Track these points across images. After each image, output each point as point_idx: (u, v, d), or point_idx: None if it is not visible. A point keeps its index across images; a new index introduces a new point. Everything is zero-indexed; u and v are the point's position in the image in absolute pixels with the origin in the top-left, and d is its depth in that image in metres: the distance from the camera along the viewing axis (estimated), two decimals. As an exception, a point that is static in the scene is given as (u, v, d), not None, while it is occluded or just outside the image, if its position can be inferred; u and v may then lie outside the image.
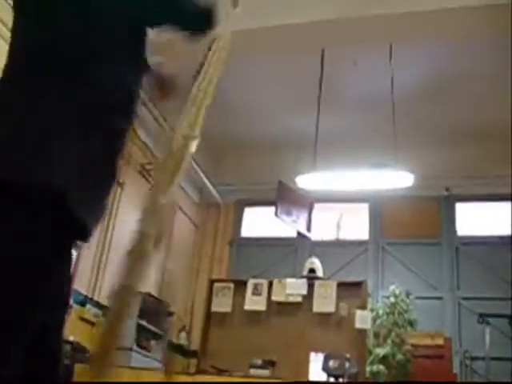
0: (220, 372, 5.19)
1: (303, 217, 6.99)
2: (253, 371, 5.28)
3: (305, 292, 5.74)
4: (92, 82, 1.36)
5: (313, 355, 5.44)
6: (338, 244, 8.62)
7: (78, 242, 1.43)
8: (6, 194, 1.20)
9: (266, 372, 5.31)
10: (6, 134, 1.24)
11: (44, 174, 1.22)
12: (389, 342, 6.63)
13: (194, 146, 1.79)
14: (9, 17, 5.12)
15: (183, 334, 8.01)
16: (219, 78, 1.93)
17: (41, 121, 1.25)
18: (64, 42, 1.35)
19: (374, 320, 6.66)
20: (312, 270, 6.08)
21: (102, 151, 1.37)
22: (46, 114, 1.26)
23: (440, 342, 7.12)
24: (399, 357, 6.51)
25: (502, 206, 8.08)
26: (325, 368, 5.05)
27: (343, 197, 8.20)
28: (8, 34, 5.04)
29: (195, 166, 8.22)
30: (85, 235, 1.39)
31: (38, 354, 1.34)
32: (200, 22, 1.70)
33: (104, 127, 1.38)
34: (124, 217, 6.03)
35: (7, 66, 1.35)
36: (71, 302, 3.96)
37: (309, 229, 7.04)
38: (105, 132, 1.38)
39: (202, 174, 8.49)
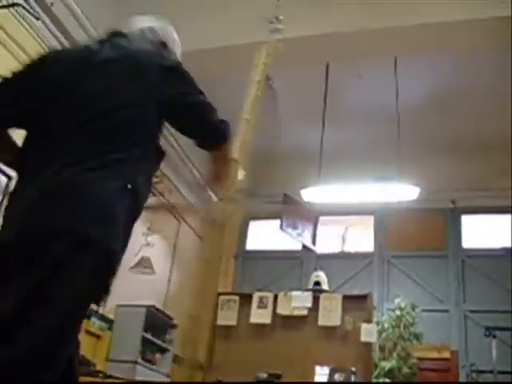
0: (225, 385, 5.18)
1: (308, 230, 6.98)
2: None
3: (310, 305, 5.72)
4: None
5: (318, 369, 5.40)
6: (343, 257, 8.61)
7: None
8: (91, 246, 1.60)
9: (271, 385, 5.29)
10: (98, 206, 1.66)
11: (113, 237, 1.66)
12: (394, 355, 6.60)
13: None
14: (10, 25, 5.09)
15: (188, 348, 7.99)
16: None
17: (116, 205, 1.69)
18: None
19: (380, 333, 6.64)
20: (317, 283, 6.06)
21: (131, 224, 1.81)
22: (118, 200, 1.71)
23: (446, 355, 7.09)
24: (405, 370, 6.47)
25: (509, 219, 8.06)
26: (330, 382, 5.03)
27: (348, 210, 8.20)
28: (12, 45, 4.99)
29: (200, 178, 8.24)
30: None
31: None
32: (215, 141, 2.04)
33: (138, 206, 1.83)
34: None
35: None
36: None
37: (314, 242, 7.03)
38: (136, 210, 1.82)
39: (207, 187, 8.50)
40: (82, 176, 1.65)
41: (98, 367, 5.44)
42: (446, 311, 7.87)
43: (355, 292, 6.49)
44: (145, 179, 1.84)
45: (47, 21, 5.21)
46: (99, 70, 1.85)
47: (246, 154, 2.43)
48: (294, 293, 5.87)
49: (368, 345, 5.51)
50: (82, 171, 1.65)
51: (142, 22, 2.19)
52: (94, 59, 1.87)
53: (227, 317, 5.93)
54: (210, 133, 2.01)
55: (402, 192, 6.75)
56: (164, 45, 2.15)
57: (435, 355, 7.01)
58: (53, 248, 1.55)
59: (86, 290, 1.61)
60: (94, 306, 5.84)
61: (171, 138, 6.95)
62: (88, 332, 5.82)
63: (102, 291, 1.74)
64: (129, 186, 1.72)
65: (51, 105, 1.78)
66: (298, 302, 5.75)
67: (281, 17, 2.59)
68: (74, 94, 1.79)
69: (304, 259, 8.49)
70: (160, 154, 1.99)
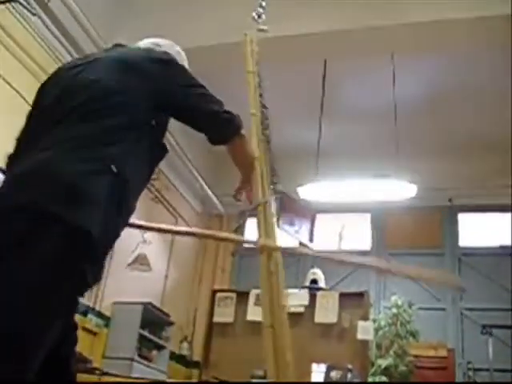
0: (222, 382, 5.18)
1: (305, 227, 6.99)
2: (254, 382, 5.26)
3: (307, 303, 5.73)
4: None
5: (315, 366, 5.41)
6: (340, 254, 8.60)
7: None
8: (56, 223, 1.54)
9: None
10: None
11: (82, 215, 1.59)
12: (391, 353, 6.60)
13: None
14: (7, 21, 5.09)
15: (185, 345, 8.00)
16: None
17: (89, 184, 1.64)
18: None
19: (377, 331, 6.64)
20: (314, 281, 6.07)
21: (120, 217, 1.77)
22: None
23: (443, 353, 7.09)
24: (402, 368, 6.47)
25: (505, 217, 8.07)
26: (327, 379, 5.03)
27: (345, 207, 8.20)
28: (9, 41, 4.99)
29: (197, 176, 8.24)
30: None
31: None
32: (223, 132, 2.00)
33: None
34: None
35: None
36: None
37: (311, 239, 7.04)
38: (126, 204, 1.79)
39: (204, 184, 8.51)
40: (56, 157, 1.64)
41: (95, 364, 5.44)
42: (443, 309, 7.87)
43: (352, 290, 6.50)
44: (137, 168, 1.81)
45: (44, 17, 5.19)
46: (89, 66, 1.91)
47: (264, 151, 2.39)
48: (291, 290, 5.87)
49: (365, 342, 5.52)
50: (57, 153, 1.64)
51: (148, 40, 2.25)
52: (88, 60, 1.96)
53: (224, 314, 5.93)
54: (217, 123, 1.97)
55: (400, 190, 6.75)
56: (167, 54, 2.16)
57: (432, 353, 7.02)
58: (14, 225, 1.54)
59: (52, 272, 1.53)
60: (90, 303, 5.79)
61: (167, 134, 6.94)
62: (84, 329, 5.82)
63: (74, 277, 1.60)
64: (113, 168, 1.68)
65: (46, 108, 1.85)
66: (294, 299, 5.75)
67: (263, 3, 2.58)
68: (63, 92, 1.84)
69: (301, 257, 8.48)
70: (162, 150, 2.01)
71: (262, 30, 2.54)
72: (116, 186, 1.69)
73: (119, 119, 1.77)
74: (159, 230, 2.43)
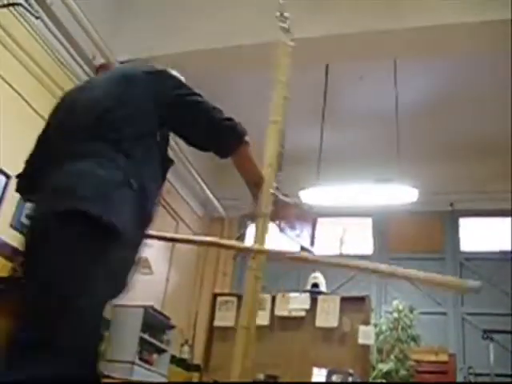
0: (216, 383, 5.17)
1: (307, 231, 6.97)
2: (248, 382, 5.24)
3: (308, 307, 5.71)
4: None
5: (316, 370, 5.39)
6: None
7: None
8: (83, 222, 1.59)
9: (268, 387, 5.27)
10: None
11: (108, 212, 1.64)
12: (392, 357, 6.59)
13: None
14: (10, 24, 5.08)
15: (186, 348, 7.99)
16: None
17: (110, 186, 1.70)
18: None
19: (378, 335, 6.63)
20: (315, 285, 6.05)
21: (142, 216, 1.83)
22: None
23: (444, 357, 7.06)
24: (402, 373, 6.46)
25: (506, 221, 8.07)
26: (328, 383, 5.02)
27: (347, 211, 8.20)
28: (11, 44, 4.98)
29: (198, 179, 8.24)
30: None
31: None
32: (228, 140, 1.98)
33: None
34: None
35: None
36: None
37: (312, 243, 7.02)
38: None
39: (205, 188, 8.51)
40: (80, 167, 1.69)
41: (95, 367, 5.42)
42: (444, 314, 7.87)
43: (353, 294, 6.48)
44: (151, 179, 1.85)
45: (46, 19, 5.20)
46: (90, 85, 2.05)
47: (279, 159, 2.42)
48: (292, 294, 5.86)
49: (366, 347, 5.50)
50: (81, 164, 1.70)
51: None
52: (92, 80, 2.15)
53: (225, 318, 5.91)
54: (220, 131, 1.94)
55: (401, 194, 6.75)
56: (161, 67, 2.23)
57: (433, 358, 6.99)
58: (45, 228, 1.62)
59: (82, 274, 1.62)
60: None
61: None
62: (85, 332, 5.80)
63: (100, 276, 1.69)
64: (132, 182, 1.73)
65: (61, 126, 1.91)
66: (295, 303, 5.74)
67: (286, 13, 2.59)
68: (75, 110, 1.90)
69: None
70: (169, 162, 2.04)
71: (285, 29, 2.58)
72: (136, 200, 1.75)
73: (128, 131, 1.80)
74: (162, 239, 2.43)
